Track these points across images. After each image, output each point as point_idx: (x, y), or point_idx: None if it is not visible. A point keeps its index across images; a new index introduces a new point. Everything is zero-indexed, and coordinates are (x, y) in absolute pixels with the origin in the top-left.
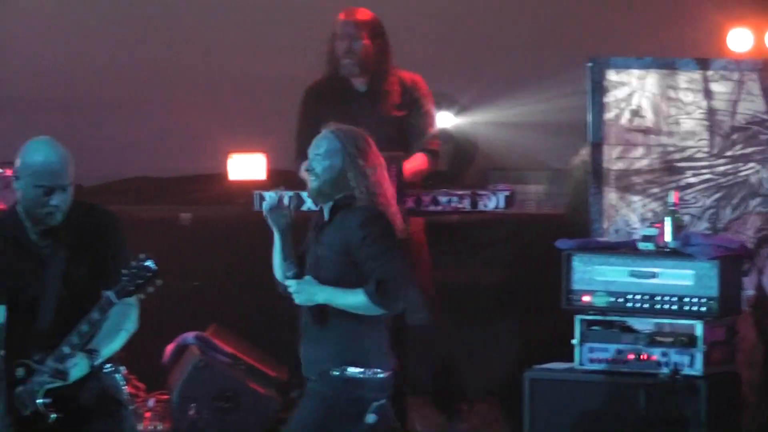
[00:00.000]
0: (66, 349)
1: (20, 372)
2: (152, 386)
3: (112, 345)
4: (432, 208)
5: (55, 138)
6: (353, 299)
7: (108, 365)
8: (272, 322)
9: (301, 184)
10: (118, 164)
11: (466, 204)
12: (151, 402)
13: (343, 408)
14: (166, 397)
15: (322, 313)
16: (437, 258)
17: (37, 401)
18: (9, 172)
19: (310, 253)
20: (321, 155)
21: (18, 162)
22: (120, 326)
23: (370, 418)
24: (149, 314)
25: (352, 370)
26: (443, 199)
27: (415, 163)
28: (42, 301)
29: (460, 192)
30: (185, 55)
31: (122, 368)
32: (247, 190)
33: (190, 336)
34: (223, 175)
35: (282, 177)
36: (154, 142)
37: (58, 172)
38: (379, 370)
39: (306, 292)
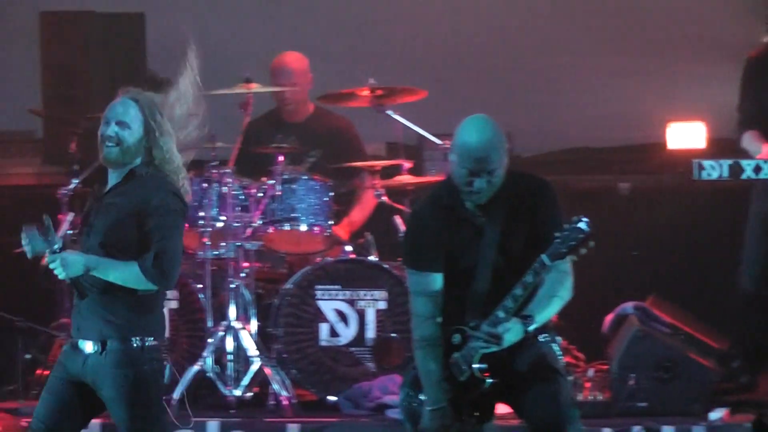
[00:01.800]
0: (500, 314)
1: (456, 338)
2: (592, 356)
3: (546, 311)
4: None
5: (493, 113)
6: (124, 271)
7: (544, 334)
8: (712, 292)
9: (741, 154)
10: (559, 135)
11: None
12: (590, 372)
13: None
14: (605, 367)
15: (85, 285)
16: None
17: (473, 366)
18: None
19: (94, 216)
20: (125, 123)
21: (454, 137)
22: (554, 293)
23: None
24: (589, 284)
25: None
26: None
27: None
28: (478, 268)
29: None
30: (621, 23)
31: (559, 338)
32: (687, 159)
33: (629, 306)
34: (661, 144)
35: (722, 145)
36: (593, 112)
37: (484, 158)
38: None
39: (70, 265)
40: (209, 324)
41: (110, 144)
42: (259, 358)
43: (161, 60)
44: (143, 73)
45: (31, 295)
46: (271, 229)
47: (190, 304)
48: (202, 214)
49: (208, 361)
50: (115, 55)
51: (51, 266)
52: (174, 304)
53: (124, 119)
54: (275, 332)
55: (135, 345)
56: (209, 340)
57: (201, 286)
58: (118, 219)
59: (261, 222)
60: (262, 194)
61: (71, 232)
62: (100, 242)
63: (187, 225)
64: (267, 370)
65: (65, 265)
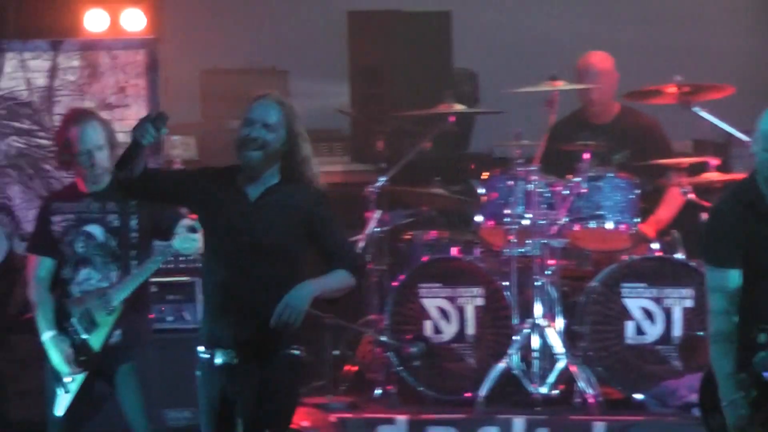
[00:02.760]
0: None
1: (763, 337)
2: None
3: None
4: None
5: None
6: (341, 280)
7: None
8: None
9: None
10: None
11: None
12: None
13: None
14: None
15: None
16: None
17: None
18: None
19: (252, 215)
20: (271, 126)
21: (756, 127)
22: None
23: None
24: None
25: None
26: None
27: None
28: None
29: None
30: None
31: None
32: None
33: None
34: None
35: None
36: None
37: None
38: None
39: (300, 303)
40: (515, 321)
41: (254, 147)
42: (565, 356)
43: (467, 57)
44: (449, 71)
45: None
46: (576, 227)
47: (495, 302)
48: (507, 211)
49: (513, 358)
50: (421, 53)
51: (289, 319)
52: (480, 302)
53: (270, 122)
54: (581, 330)
55: (297, 353)
56: (515, 338)
57: (507, 283)
58: (283, 223)
59: (567, 219)
60: (567, 192)
61: (379, 229)
62: (257, 243)
63: (492, 222)
64: (573, 368)
65: (295, 303)
